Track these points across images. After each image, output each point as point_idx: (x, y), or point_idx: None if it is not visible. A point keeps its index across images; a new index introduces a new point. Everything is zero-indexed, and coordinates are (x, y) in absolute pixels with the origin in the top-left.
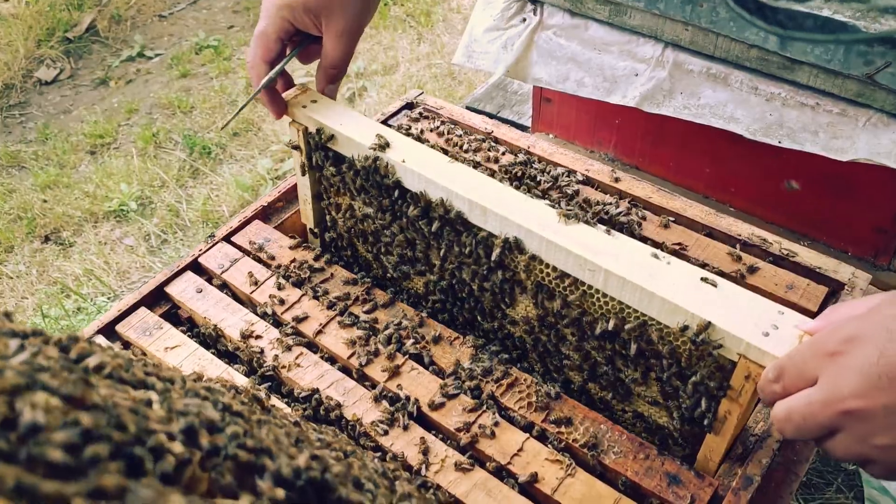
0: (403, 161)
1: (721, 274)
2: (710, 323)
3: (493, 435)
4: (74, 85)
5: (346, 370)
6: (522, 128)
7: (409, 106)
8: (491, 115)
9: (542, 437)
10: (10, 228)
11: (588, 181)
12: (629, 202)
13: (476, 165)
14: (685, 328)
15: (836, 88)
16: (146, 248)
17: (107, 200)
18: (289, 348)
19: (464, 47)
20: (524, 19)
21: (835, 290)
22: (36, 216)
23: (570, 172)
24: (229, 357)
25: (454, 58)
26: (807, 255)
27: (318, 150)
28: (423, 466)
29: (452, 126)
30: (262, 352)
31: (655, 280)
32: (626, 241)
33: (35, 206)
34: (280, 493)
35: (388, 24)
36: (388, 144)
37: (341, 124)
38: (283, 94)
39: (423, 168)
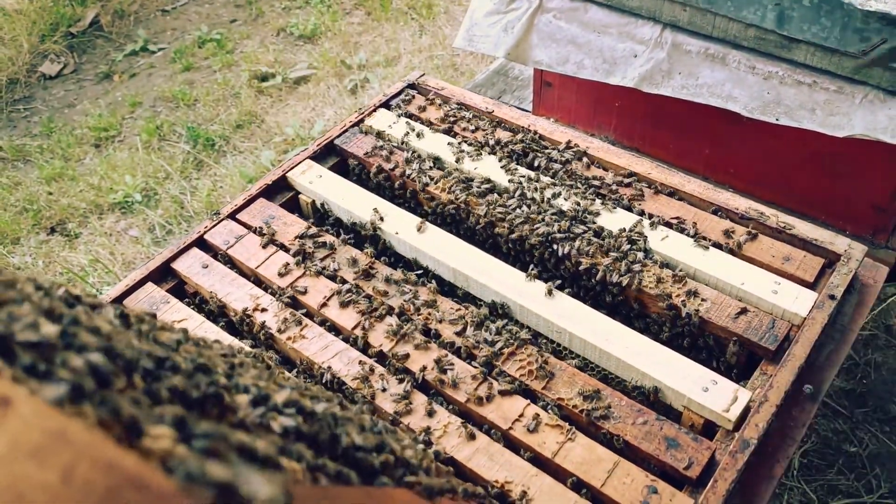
0: (397, 233)
1: (717, 246)
2: (657, 388)
3: (494, 402)
4: (78, 79)
5: (350, 341)
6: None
7: (411, 87)
8: None
9: (543, 404)
10: (16, 220)
11: (588, 157)
12: (627, 177)
13: (476, 141)
14: (637, 386)
15: (833, 66)
16: (151, 238)
17: (112, 192)
18: (294, 320)
19: (464, 31)
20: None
21: (831, 262)
22: (42, 208)
23: (569, 147)
24: (235, 330)
25: (455, 42)
26: (803, 228)
27: (323, 218)
28: (426, 432)
29: (453, 104)
30: (266, 324)
31: (610, 342)
32: (589, 311)
33: (41, 199)
34: (285, 421)
35: (390, 17)
36: (382, 218)
37: (343, 198)
38: (291, 172)
39: (414, 240)
